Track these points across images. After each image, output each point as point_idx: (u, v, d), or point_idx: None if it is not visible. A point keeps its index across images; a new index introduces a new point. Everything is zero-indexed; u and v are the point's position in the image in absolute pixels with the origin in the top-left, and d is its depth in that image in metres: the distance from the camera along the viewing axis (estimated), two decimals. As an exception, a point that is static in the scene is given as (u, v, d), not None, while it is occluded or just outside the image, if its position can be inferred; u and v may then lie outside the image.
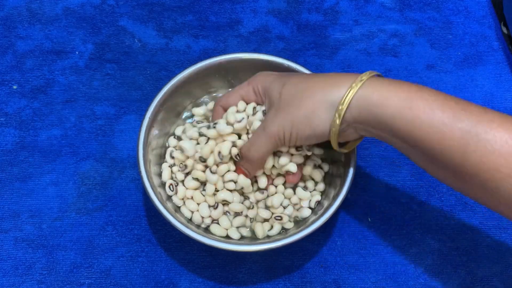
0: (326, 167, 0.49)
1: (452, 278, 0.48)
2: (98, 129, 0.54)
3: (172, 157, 0.48)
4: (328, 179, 0.49)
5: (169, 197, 0.46)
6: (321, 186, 0.48)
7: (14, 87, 0.56)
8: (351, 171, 0.45)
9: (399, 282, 0.48)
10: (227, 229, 0.46)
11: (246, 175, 0.45)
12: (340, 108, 0.37)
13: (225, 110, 0.46)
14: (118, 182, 0.52)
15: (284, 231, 0.46)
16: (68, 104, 0.55)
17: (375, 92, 0.36)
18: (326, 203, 0.46)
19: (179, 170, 0.47)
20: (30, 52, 0.58)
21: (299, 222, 0.47)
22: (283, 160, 0.44)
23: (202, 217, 0.45)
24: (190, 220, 0.46)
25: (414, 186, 0.52)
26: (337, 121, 0.38)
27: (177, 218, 0.44)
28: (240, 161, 0.44)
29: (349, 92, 0.37)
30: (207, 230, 0.46)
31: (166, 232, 0.49)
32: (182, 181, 0.47)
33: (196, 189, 0.46)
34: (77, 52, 0.59)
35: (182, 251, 0.49)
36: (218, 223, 0.46)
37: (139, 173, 0.45)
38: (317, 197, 0.47)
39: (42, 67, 0.57)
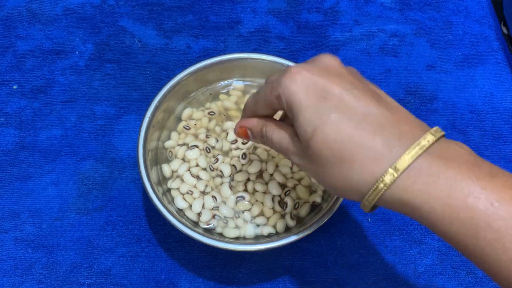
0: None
1: (452, 278, 0.48)
2: (98, 129, 0.54)
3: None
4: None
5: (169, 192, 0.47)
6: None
7: (14, 87, 0.56)
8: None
9: (399, 282, 0.48)
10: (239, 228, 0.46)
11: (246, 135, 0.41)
12: (368, 198, 0.32)
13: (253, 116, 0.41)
14: (118, 182, 0.52)
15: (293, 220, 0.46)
16: (68, 104, 0.55)
17: (415, 185, 0.30)
18: (326, 203, 0.46)
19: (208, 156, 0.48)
20: (30, 52, 0.58)
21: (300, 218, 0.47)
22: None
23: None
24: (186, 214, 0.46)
25: (414, 186, 0.52)
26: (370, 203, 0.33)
27: (177, 217, 0.44)
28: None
29: (378, 186, 0.31)
30: (211, 231, 0.46)
31: (166, 232, 0.49)
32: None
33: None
34: (77, 52, 0.59)
35: (182, 251, 0.49)
36: (231, 226, 0.46)
37: (139, 173, 0.45)
38: None
39: (42, 67, 0.57)
